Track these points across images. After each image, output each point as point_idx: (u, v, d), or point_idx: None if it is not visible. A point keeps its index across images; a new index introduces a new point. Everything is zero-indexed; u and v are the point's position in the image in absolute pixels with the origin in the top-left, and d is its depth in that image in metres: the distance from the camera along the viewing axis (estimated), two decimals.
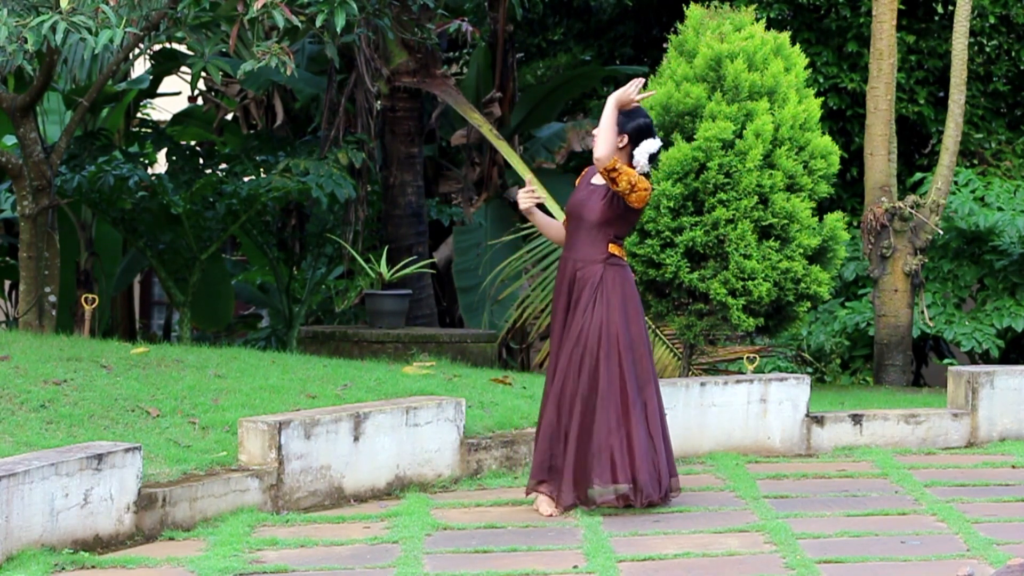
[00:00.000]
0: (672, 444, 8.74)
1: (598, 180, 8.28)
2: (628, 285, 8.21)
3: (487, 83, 16.26)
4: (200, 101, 17.98)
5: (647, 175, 8.35)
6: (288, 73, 10.17)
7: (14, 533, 6.91)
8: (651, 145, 8.24)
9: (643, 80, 8.33)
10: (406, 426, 8.62)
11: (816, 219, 10.10)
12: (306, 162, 13.88)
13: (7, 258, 17.07)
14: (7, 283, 17.93)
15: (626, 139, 8.23)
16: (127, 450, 7.41)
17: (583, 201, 8.27)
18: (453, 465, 8.81)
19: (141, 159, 15.32)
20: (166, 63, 16.36)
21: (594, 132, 8.32)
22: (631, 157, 8.24)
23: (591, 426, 8.04)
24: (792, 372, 12.62)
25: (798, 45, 10.49)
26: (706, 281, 9.91)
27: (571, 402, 8.08)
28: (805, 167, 10.08)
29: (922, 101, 15.33)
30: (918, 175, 14.34)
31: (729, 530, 7.72)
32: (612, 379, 8.08)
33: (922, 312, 13.03)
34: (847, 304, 13.96)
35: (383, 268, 13.05)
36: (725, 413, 9.56)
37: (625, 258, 8.30)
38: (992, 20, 15.20)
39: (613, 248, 8.19)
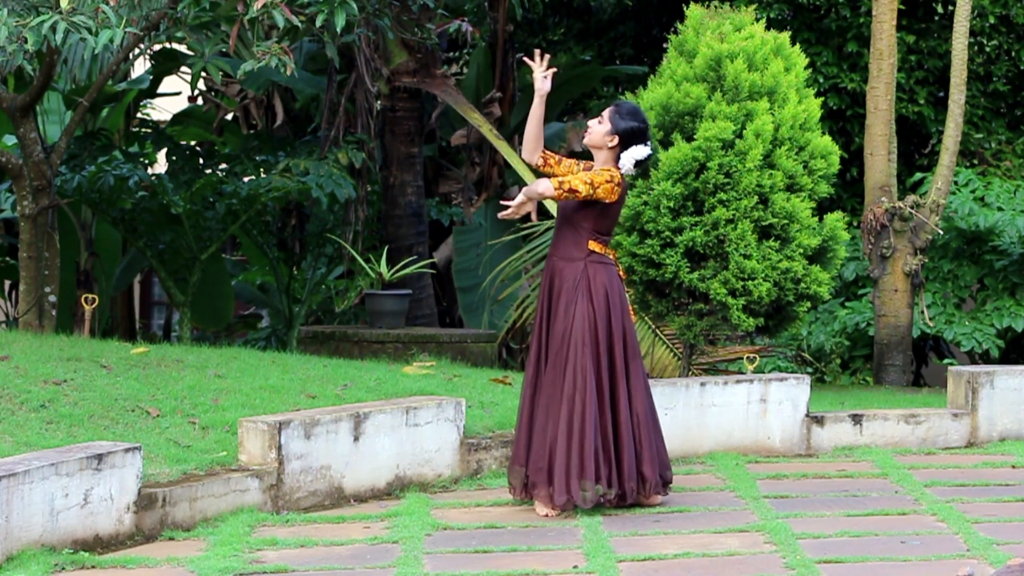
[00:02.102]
0: (668, 443, 8.76)
1: None
2: (613, 282, 8.19)
3: (487, 83, 16.25)
4: (200, 101, 17.98)
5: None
6: (288, 73, 10.17)
7: (14, 533, 6.91)
8: (639, 151, 8.25)
9: (539, 53, 8.36)
10: (406, 426, 8.62)
11: (816, 219, 10.10)
12: (306, 162, 13.88)
13: (7, 258, 17.07)
14: (7, 283, 17.93)
15: (616, 139, 8.24)
16: (127, 450, 7.41)
17: (560, 203, 8.32)
18: (453, 465, 8.81)
19: (141, 159, 15.32)
20: (166, 63, 16.36)
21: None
22: (617, 158, 8.25)
23: (580, 426, 8.02)
24: (792, 372, 12.62)
25: (798, 45, 10.49)
26: (706, 281, 9.91)
27: (558, 402, 8.06)
28: (805, 167, 10.07)
29: (922, 101, 15.33)
30: (918, 175, 14.33)
31: (729, 530, 7.72)
32: (597, 377, 8.07)
33: (922, 312, 13.03)
34: (847, 304, 13.95)
35: (383, 268, 13.05)
36: (725, 413, 9.56)
37: (610, 255, 8.27)
38: (992, 20, 15.20)
39: (594, 245, 8.18)
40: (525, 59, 8.56)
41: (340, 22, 10.38)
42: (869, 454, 9.58)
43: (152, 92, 17.07)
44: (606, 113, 8.31)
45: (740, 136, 9.97)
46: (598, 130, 8.28)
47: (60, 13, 9.63)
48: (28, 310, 12.57)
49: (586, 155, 16.43)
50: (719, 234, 9.88)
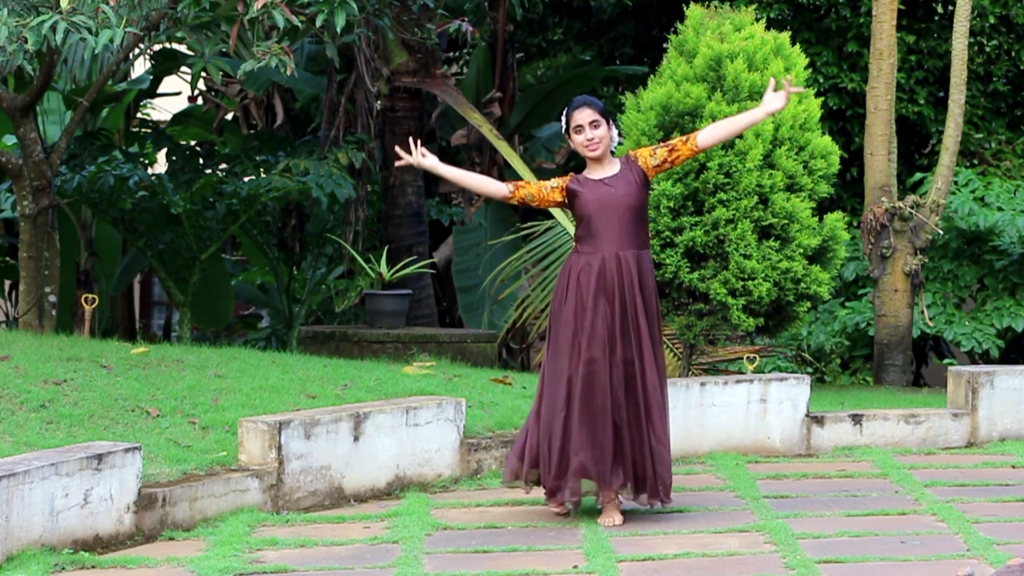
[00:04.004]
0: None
1: (607, 172, 7.99)
2: None
3: (487, 83, 16.26)
4: (200, 101, 17.98)
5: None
6: (288, 73, 10.18)
7: (14, 533, 6.91)
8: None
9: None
10: (406, 426, 8.62)
11: (816, 219, 10.11)
12: (306, 162, 13.88)
13: (7, 258, 17.07)
14: (7, 283, 17.93)
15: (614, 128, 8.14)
16: (127, 450, 7.41)
17: (614, 194, 7.93)
18: (453, 465, 8.81)
19: (141, 159, 15.32)
20: (166, 63, 16.36)
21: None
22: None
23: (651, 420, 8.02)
24: (792, 372, 12.62)
25: (798, 45, 10.50)
26: (706, 281, 9.92)
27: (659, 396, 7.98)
28: (805, 167, 10.08)
29: (922, 101, 15.33)
30: (918, 175, 14.34)
31: (729, 530, 7.72)
32: (661, 372, 8.03)
33: (922, 312, 13.03)
34: (847, 304, 13.96)
35: (383, 268, 13.06)
36: (725, 413, 9.56)
37: None
38: (992, 20, 15.20)
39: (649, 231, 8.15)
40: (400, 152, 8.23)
41: (340, 22, 10.39)
42: (869, 454, 9.58)
43: (152, 92, 17.08)
44: (597, 112, 8.00)
45: (740, 136, 9.97)
46: (608, 134, 8.02)
47: (60, 13, 9.64)
48: (28, 310, 12.57)
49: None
50: (719, 234, 9.88)
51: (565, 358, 7.91)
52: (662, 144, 8.09)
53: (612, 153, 8.09)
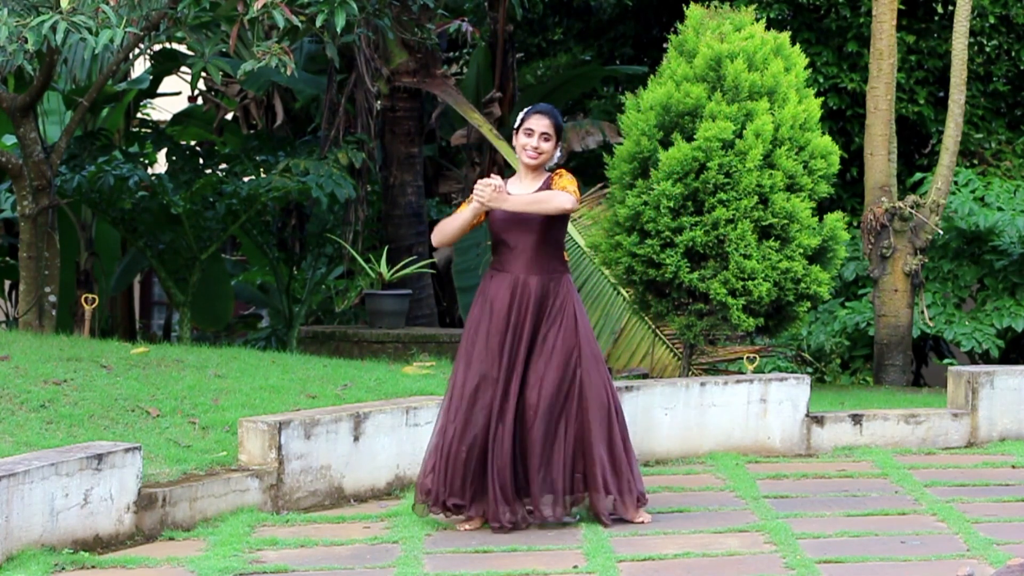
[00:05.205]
0: (668, 443, 8.68)
1: (519, 188, 7.90)
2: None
3: (487, 83, 16.26)
4: (200, 101, 17.99)
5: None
6: (288, 73, 10.18)
7: (14, 533, 6.91)
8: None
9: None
10: (406, 426, 8.62)
11: (816, 219, 10.10)
12: (306, 162, 13.88)
13: (7, 258, 17.07)
14: (7, 283, 17.94)
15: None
16: (127, 450, 7.41)
17: (521, 216, 7.84)
18: None
19: (141, 159, 15.32)
20: (166, 63, 16.37)
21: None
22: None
23: (588, 437, 7.89)
24: (792, 372, 12.62)
25: (798, 45, 10.49)
26: (706, 281, 9.91)
27: (556, 417, 7.84)
28: (805, 167, 10.08)
29: (922, 101, 15.33)
30: (918, 175, 14.34)
31: (729, 530, 7.72)
32: (600, 391, 7.87)
33: (922, 312, 13.03)
34: (847, 304, 13.96)
35: (383, 268, 13.05)
36: (725, 413, 9.56)
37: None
38: (992, 20, 15.20)
39: (566, 256, 8.03)
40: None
41: (340, 22, 10.39)
42: (869, 454, 9.58)
43: (152, 92, 17.08)
44: (552, 127, 7.87)
45: (740, 136, 9.97)
46: (552, 151, 7.90)
47: (60, 13, 9.64)
48: (28, 310, 12.57)
49: (587, 156, 16.46)
50: (719, 234, 9.88)
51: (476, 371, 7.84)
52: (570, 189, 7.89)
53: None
